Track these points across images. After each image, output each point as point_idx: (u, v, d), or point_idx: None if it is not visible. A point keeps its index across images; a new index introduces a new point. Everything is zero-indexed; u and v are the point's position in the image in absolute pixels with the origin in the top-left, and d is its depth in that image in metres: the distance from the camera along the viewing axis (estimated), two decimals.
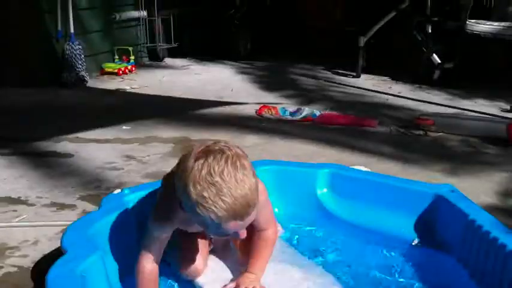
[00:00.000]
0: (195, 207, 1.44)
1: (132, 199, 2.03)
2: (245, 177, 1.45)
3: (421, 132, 4.21)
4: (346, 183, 2.39)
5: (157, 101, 5.17)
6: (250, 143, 3.86)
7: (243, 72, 6.62)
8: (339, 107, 4.99)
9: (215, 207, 1.42)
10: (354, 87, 5.99)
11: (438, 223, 2.16)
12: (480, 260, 1.88)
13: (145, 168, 3.27)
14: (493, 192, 3.05)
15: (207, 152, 1.47)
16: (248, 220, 1.49)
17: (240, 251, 2.00)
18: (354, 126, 4.38)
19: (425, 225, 2.18)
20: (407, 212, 2.21)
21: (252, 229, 1.80)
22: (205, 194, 1.42)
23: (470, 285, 1.89)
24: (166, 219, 1.66)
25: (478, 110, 4.97)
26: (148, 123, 4.25)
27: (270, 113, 4.69)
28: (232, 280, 1.86)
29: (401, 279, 1.99)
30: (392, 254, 2.14)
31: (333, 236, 2.26)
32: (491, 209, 2.68)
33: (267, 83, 6.05)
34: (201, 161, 1.45)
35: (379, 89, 5.83)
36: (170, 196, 1.61)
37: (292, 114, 4.66)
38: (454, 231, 2.04)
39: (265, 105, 4.83)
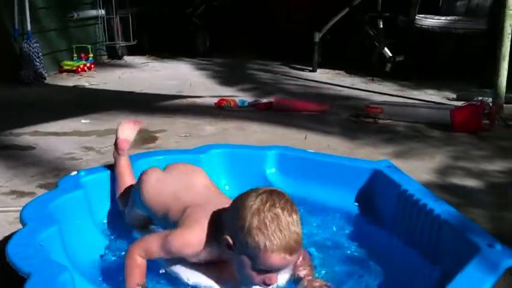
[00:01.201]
0: (253, 233, 1.52)
1: (87, 180, 2.14)
2: (299, 220, 1.59)
3: (371, 120, 4.41)
4: (292, 162, 2.55)
5: (116, 96, 5.25)
6: (208, 133, 4.00)
7: (201, 69, 6.75)
8: (295, 98, 5.16)
9: (273, 235, 1.52)
10: (309, 80, 6.18)
11: (376, 195, 2.33)
12: (411, 225, 2.05)
13: (104, 158, 3.35)
14: (433, 172, 3.26)
15: (269, 191, 1.61)
16: (293, 260, 1.58)
17: None
18: (307, 112, 4.59)
19: (364, 197, 2.35)
20: (348, 186, 2.38)
21: None
22: (267, 222, 1.53)
23: (404, 251, 2.06)
24: (190, 245, 1.70)
25: (426, 99, 5.22)
26: (108, 117, 4.33)
27: (228, 104, 4.83)
28: None
29: (343, 248, 2.14)
30: (334, 225, 2.29)
31: None
32: (430, 186, 2.86)
33: (225, 78, 6.19)
34: (265, 196, 1.58)
35: (333, 82, 6.04)
36: (205, 228, 1.69)
37: (250, 104, 4.83)
38: (389, 201, 2.21)
39: (223, 98, 4.97)
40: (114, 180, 2.25)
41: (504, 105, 4.68)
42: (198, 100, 5.09)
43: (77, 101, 4.99)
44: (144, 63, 7.00)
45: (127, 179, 2.21)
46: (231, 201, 1.71)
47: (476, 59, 5.68)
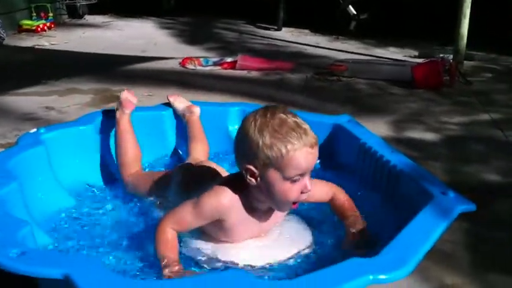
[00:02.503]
0: (270, 144, 1.51)
1: (47, 137, 2.12)
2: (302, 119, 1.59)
3: (335, 78, 4.45)
4: None
5: (77, 56, 5.15)
6: (171, 92, 3.93)
7: (166, 28, 6.65)
8: (260, 57, 5.14)
9: (288, 136, 1.52)
10: (274, 39, 6.17)
11: (337, 148, 2.37)
12: (370, 176, 2.10)
13: (65, 117, 3.31)
14: (394, 127, 3.33)
15: (263, 108, 1.60)
16: (316, 153, 1.56)
17: None
18: (271, 70, 4.59)
19: (326, 151, 2.38)
20: None
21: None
22: (277, 128, 1.52)
23: (364, 200, 2.11)
24: (227, 205, 1.65)
25: (389, 57, 5.27)
26: (68, 77, 4.26)
27: (193, 64, 4.79)
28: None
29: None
30: None
31: None
32: (390, 140, 2.95)
33: (190, 37, 6.13)
34: (261, 111, 1.57)
35: (298, 40, 6.04)
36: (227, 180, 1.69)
37: (214, 63, 4.80)
38: (350, 154, 2.25)
39: (188, 57, 4.93)
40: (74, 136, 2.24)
41: (464, 61, 4.78)
42: (162, 59, 5.04)
43: (37, 61, 4.88)
44: (106, 22, 6.86)
45: (130, 137, 2.25)
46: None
47: (439, 17, 5.74)
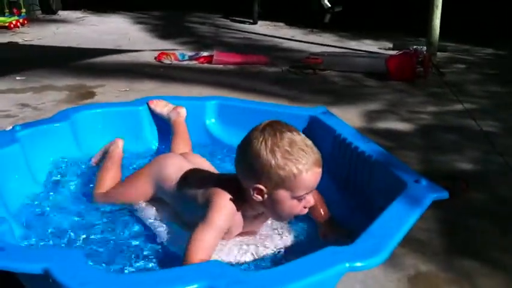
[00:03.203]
0: (281, 165, 1.53)
1: (23, 134, 2.11)
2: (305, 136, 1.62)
3: (310, 71, 4.48)
4: (232, 112, 2.58)
5: (52, 52, 5.10)
6: (147, 88, 3.96)
7: (140, 22, 6.62)
8: (235, 51, 5.16)
9: (299, 157, 1.55)
10: (250, 32, 6.18)
11: (312, 139, 2.38)
12: (345, 167, 2.14)
13: (41, 114, 3.28)
14: (368, 118, 3.37)
15: (268, 125, 1.60)
16: (321, 171, 1.60)
17: None
18: (247, 64, 4.61)
19: None
20: None
21: None
22: (288, 149, 1.54)
23: (340, 191, 2.15)
24: (232, 212, 1.65)
25: (364, 49, 5.33)
26: (43, 74, 4.22)
27: (169, 58, 4.78)
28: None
29: None
30: None
31: (219, 155, 2.45)
32: (365, 131, 2.99)
33: (165, 31, 6.11)
34: (270, 130, 1.57)
35: (274, 34, 6.06)
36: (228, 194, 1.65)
37: (190, 58, 4.80)
38: (325, 145, 2.28)
39: (163, 52, 4.92)
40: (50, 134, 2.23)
41: (437, 52, 4.85)
42: (137, 54, 5.02)
43: (10, 58, 4.83)
44: (80, 17, 6.80)
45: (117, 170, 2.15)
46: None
47: (412, 9, 5.81)
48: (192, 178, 1.82)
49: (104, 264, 1.61)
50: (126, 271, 1.59)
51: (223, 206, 1.63)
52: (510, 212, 2.29)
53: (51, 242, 1.73)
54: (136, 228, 1.85)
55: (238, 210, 1.67)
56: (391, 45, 5.40)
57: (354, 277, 1.77)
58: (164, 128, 2.53)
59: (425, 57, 4.38)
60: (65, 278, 1.23)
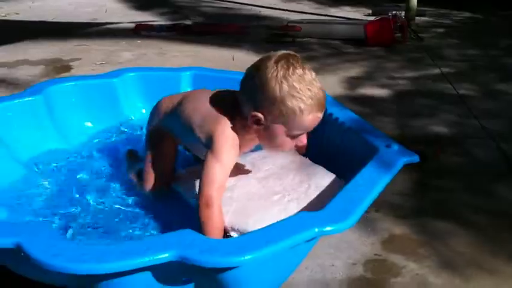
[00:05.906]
0: (286, 99, 1.51)
1: None
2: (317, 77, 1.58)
3: (290, 39, 4.46)
4: (207, 82, 2.55)
5: (27, 26, 5.02)
6: (126, 59, 3.92)
7: None
8: (213, 20, 5.11)
9: (305, 96, 1.51)
10: (228, 1, 6.11)
11: None
12: (319, 133, 2.14)
13: (16, 89, 3.25)
14: (347, 85, 3.38)
15: (285, 56, 1.56)
16: (321, 116, 1.58)
17: None
18: (226, 33, 4.58)
19: None
20: None
21: None
22: (296, 85, 1.51)
23: (315, 157, 2.16)
24: (236, 144, 1.62)
25: (344, 16, 5.30)
26: (19, 48, 4.16)
27: (147, 30, 4.72)
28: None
29: None
30: None
31: None
32: (343, 98, 3.00)
33: (142, 3, 6.02)
34: (284, 62, 1.53)
35: (253, 2, 6.00)
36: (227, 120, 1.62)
37: (169, 28, 4.75)
38: None
39: (141, 24, 4.86)
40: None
41: (416, 18, 4.84)
42: (114, 26, 4.95)
43: None
44: None
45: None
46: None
47: None
48: (187, 102, 1.77)
49: (76, 235, 1.62)
50: (101, 243, 1.60)
51: (231, 137, 1.61)
52: (483, 173, 2.32)
53: (25, 220, 1.73)
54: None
55: (236, 132, 1.64)
56: (370, 11, 5.38)
57: (327, 242, 1.80)
58: (139, 100, 2.53)
59: (404, 22, 4.38)
60: (36, 251, 1.23)
